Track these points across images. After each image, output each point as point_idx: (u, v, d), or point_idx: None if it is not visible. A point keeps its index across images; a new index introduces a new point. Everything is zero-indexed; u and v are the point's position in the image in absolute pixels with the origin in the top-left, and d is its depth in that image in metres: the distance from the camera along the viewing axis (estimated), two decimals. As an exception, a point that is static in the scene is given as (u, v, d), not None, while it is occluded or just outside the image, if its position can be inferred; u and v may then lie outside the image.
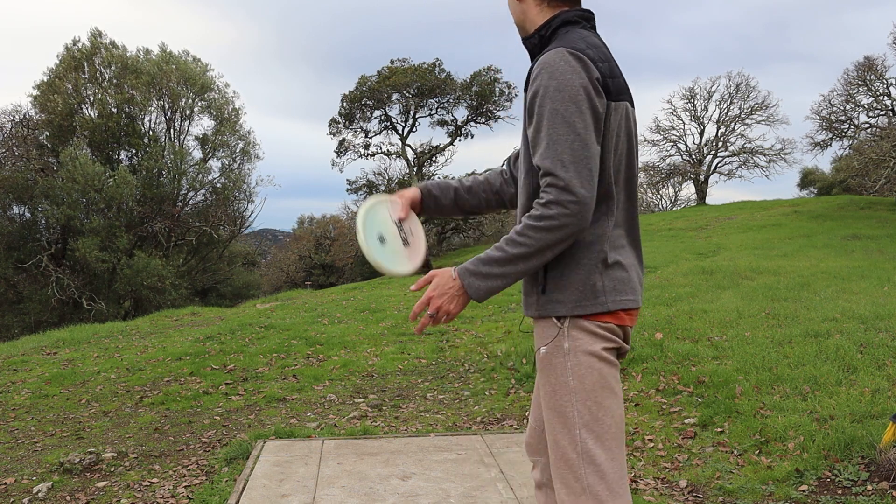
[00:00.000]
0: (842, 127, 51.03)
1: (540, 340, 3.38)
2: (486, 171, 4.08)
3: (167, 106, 53.30)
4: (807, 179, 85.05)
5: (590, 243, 3.26)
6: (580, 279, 3.26)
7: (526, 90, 3.31)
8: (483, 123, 62.06)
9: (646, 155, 75.56)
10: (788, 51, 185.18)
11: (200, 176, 54.07)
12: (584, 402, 3.25)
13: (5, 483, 7.05)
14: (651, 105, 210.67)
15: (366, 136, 62.50)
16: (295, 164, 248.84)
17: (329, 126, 61.88)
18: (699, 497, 6.31)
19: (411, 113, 61.36)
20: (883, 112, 49.59)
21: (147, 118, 53.05)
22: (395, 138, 63.03)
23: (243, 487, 6.49)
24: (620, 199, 3.39)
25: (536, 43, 3.46)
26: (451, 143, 62.52)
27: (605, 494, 3.22)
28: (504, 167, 3.95)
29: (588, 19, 3.49)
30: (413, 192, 3.91)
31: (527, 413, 9.05)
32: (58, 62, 51.06)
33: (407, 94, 59.21)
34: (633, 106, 3.48)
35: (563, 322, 3.29)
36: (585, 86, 3.12)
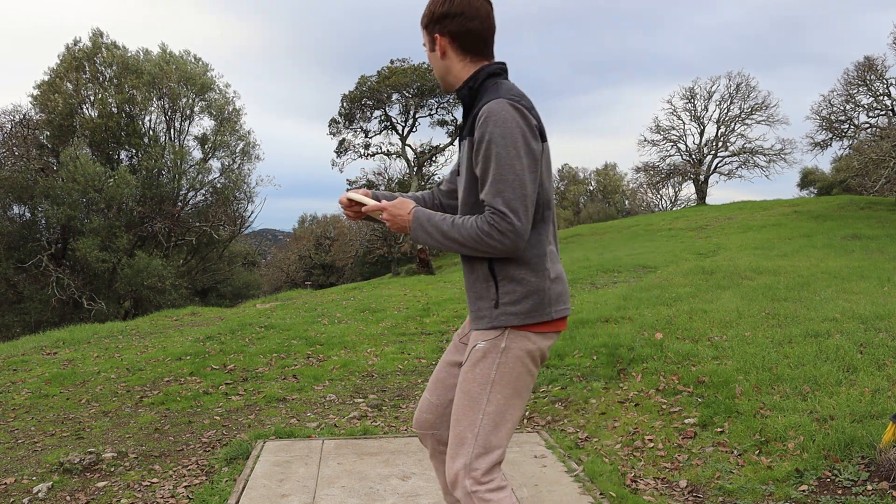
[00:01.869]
0: (842, 127, 51.10)
1: (480, 337, 3.97)
2: (423, 192, 4.77)
3: (167, 106, 53.38)
4: (807, 179, 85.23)
5: (536, 263, 3.92)
6: (532, 293, 3.90)
7: (472, 133, 3.86)
8: (484, 123, 61.69)
9: (646, 155, 75.81)
10: (802, 53, 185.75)
11: (200, 176, 54.17)
12: (496, 396, 3.90)
13: (5, 483, 7.05)
14: (652, 106, 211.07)
15: (366, 136, 62.23)
16: (296, 163, 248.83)
17: (329, 126, 61.54)
18: (699, 497, 6.31)
19: (411, 113, 61.12)
20: (883, 112, 49.65)
21: (147, 118, 53.20)
22: (395, 138, 62.82)
23: (243, 487, 6.49)
24: (552, 222, 4.10)
25: (466, 94, 4.06)
26: (452, 143, 62.31)
27: (483, 472, 3.87)
28: (435, 191, 4.73)
29: (506, 71, 4.13)
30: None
31: (527, 413, 9.05)
32: (58, 62, 51.22)
33: (407, 94, 59.03)
34: None
35: (507, 328, 3.92)
36: (524, 133, 3.76)
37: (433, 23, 4.06)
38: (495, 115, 3.73)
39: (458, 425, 3.96)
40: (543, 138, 3.90)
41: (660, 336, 11.11)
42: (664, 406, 8.56)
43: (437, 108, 60.86)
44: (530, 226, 3.78)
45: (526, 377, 3.97)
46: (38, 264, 45.13)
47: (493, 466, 3.90)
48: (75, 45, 51.58)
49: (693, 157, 72.37)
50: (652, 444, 7.61)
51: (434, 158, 63.14)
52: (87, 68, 51.53)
